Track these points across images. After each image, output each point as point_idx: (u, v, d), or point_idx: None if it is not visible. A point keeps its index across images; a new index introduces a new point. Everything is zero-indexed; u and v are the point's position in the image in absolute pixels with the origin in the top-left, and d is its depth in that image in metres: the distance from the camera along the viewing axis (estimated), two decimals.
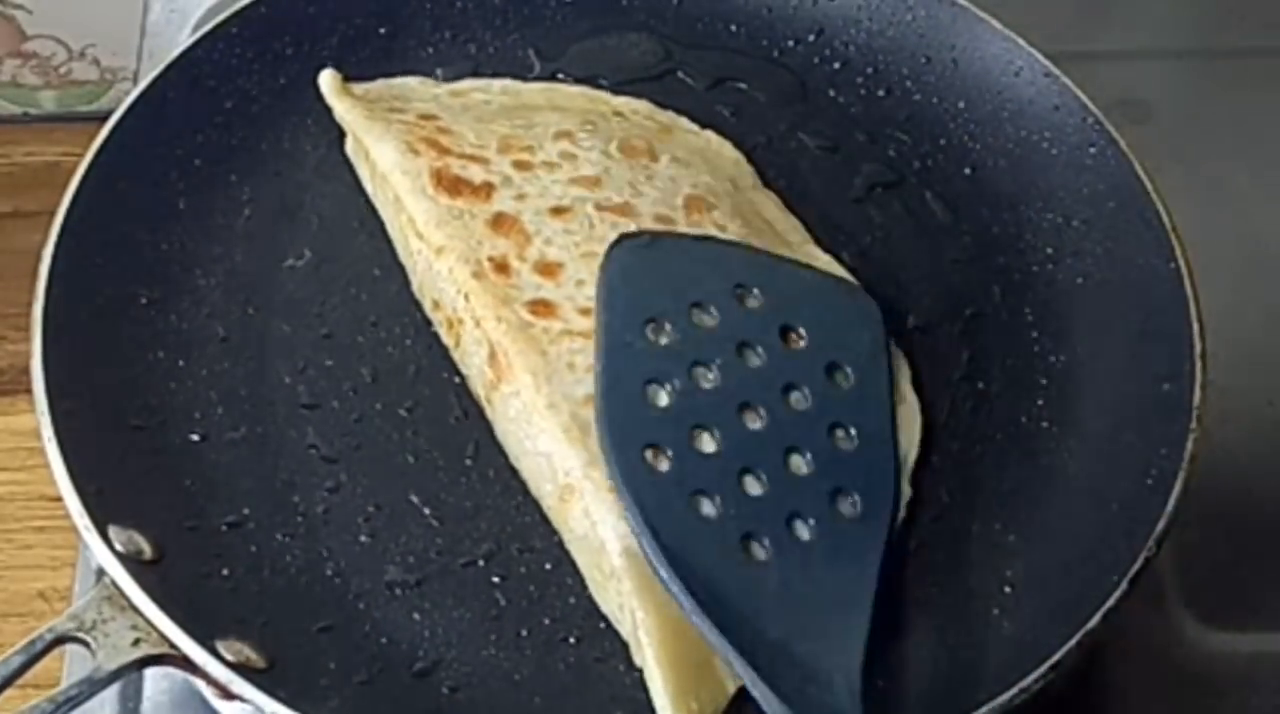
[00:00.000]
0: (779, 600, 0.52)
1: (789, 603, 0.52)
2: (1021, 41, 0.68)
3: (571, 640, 0.56)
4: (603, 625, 0.56)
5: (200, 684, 0.54)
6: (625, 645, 0.55)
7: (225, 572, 0.56)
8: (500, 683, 0.55)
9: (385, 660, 0.55)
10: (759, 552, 0.53)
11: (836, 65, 0.70)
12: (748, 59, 0.71)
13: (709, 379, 0.57)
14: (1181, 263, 0.61)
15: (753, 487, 0.55)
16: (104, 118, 0.64)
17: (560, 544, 0.57)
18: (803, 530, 0.54)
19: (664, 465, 0.54)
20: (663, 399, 0.56)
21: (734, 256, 0.61)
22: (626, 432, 0.55)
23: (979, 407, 0.61)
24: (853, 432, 0.57)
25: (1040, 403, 0.61)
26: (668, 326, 0.58)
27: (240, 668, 0.52)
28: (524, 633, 0.56)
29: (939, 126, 0.68)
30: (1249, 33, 0.81)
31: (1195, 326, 0.60)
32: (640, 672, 0.54)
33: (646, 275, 0.59)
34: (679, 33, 0.71)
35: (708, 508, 0.54)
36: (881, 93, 0.70)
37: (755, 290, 0.59)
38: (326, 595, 0.56)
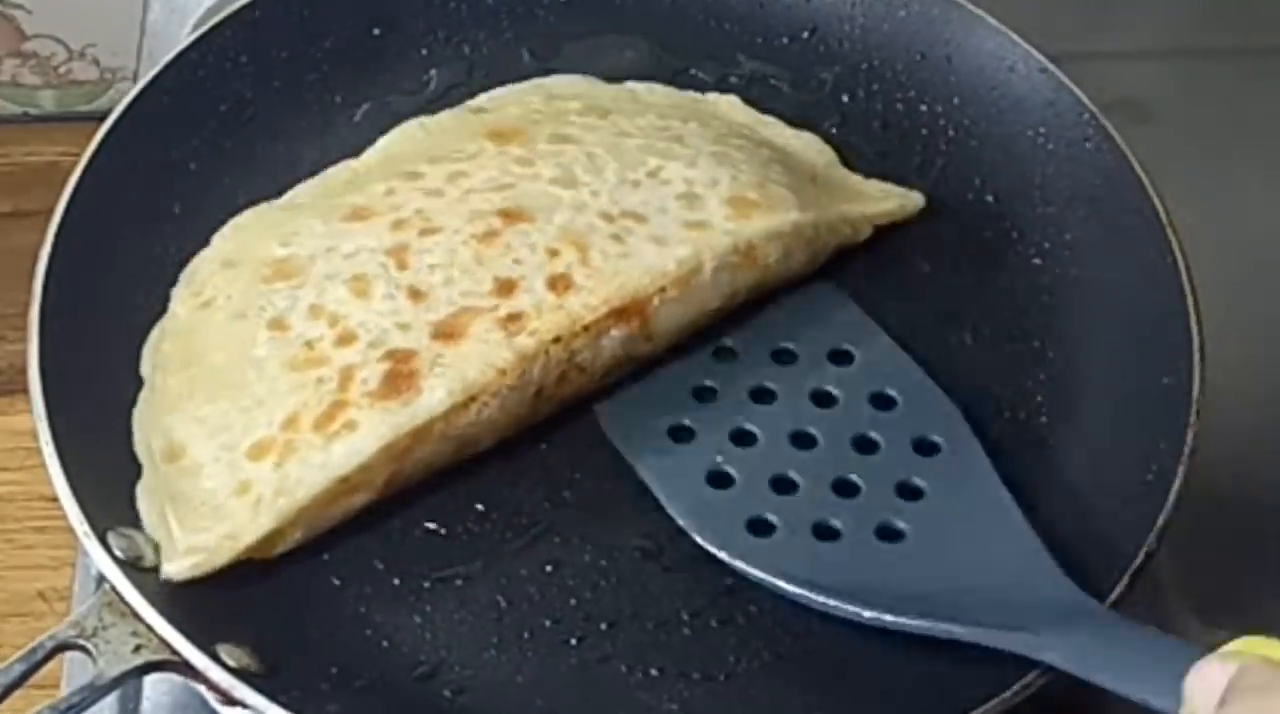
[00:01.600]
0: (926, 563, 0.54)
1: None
2: (1016, 37, 0.67)
3: (573, 642, 0.55)
4: (604, 627, 0.56)
5: (202, 690, 0.54)
6: (628, 646, 0.55)
7: (225, 577, 0.55)
8: (502, 686, 0.54)
9: (387, 664, 0.55)
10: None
11: (830, 62, 0.69)
12: (741, 58, 0.70)
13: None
14: (1179, 256, 0.61)
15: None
16: (104, 118, 0.64)
17: (558, 547, 0.57)
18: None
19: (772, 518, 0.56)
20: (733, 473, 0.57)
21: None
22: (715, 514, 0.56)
23: (976, 403, 0.60)
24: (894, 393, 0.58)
25: (1039, 398, 0.61)
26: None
27: (241, 673, 0.52)
28: (526, 635, 0.55)
29: (933, 123, 0.68)
30: (1249, 33, 0.81)
31: (1193, 320, 0.59)
32: (643, 672, 0.54)
33: None
34: (671, 32, 0.70)
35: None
36: (876, 89, 0.69)
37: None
38: (327, 600, 0.56)
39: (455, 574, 0.56)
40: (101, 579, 0.54)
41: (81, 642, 0.53)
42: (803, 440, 0.58)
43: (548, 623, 0.55)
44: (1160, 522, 0.55)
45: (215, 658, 0.52)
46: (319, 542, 0.57)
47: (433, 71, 0.69)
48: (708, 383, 0.60)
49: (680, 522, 0.56)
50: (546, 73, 0.68)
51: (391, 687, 0.54)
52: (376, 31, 0.69)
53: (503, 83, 0.68)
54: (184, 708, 0.59)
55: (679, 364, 0.60)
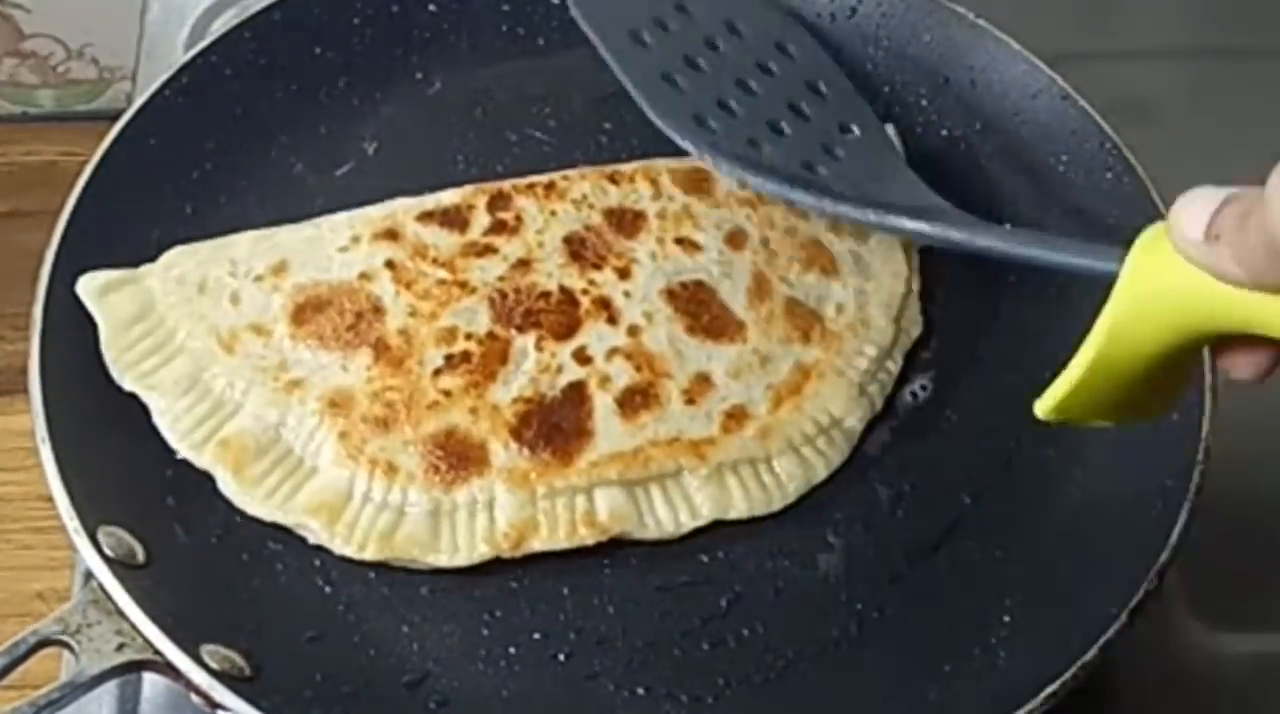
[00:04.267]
0: None
1: None
2: (1040, 64, 0.69)
3: (561, 658, 0.57)
4: (593, 644, 0.58)
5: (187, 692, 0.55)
6: (616, 665, 0.57)
7: (215, 578, 0.58)
8: (488, 698, 0.57)
9: (373, 672, 0.57)
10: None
11: (854, 84, 0.71)
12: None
13: (705, 64, 0.66)
14: None
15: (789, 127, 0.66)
16: (102, 117, 0.67)
17: (550, 562, 0.59)
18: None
19: (714, 123, 0.64)
20: (682, 82, 0.65)
21: None
22: (671, 107, 0.64)
23: (982, 433, 0.63)
24: (823, 87, 0.68)
25: (1045, 430, 0.63)
26: (646, 36, 0.66)
27: (223, 676, 0.54)
28: (513, 649, 0.58)
29: (954, 148, 0.70)
30: (1249, 33, 0.82)
31: (1205, 356, 0.61)
32: (630, 691, 0.57)
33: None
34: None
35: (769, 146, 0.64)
36: (897, 112, 0.71)
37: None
38: (316, 605, 0.58)
39: (446, 585, 0.58)
40: (90, 577, 0.56)
41: (65, 638, 0.55)
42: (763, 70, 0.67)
43: (536, 637, 0.58)
44: (1163, 559, 0.57)
45: (197, 659, 0.54)
46: (310, 546, 0.59)
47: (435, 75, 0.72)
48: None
49: (644, 108, 0.64)
50: None
51: (376, 695, 0.56)
52: (395, 40, 0.72)
53: (510, 79, 0.71)
54: (182, 707, 0.61)
55: None
